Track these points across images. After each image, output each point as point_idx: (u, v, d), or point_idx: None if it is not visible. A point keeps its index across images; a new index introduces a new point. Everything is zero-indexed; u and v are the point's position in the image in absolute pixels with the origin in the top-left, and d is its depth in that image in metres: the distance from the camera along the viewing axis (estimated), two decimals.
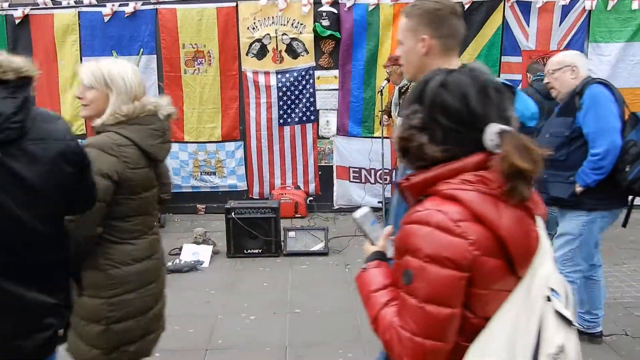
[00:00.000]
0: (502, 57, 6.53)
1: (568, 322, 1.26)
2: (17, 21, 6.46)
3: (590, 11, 6.39)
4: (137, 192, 2.11)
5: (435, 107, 1.30)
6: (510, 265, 1.25)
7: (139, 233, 2.16)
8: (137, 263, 2.13)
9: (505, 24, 6.47)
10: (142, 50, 6.54)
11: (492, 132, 1.25)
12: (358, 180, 6.84)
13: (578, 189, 3.13)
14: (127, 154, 2.05)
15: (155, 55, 6.58)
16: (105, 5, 6.49)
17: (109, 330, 2.08)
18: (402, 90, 5.07)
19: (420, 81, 1.38)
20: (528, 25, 6.49)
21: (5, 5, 6.76)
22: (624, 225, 3.30)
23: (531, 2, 6.39)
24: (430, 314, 1.20)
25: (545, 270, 1.29)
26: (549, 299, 1.26)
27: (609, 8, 6.38)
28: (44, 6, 6.62)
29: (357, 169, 6.79)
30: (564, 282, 1.36)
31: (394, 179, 6.01)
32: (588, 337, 3.43)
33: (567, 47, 6.49)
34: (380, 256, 1.48)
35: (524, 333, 1.22)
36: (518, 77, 6.48)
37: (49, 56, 6.54)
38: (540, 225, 1.34)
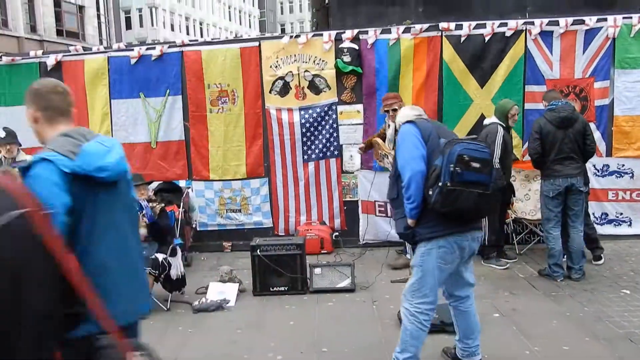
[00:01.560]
0: (525, 86, 6.48)
1: None
2: (49, 67, 6.71)
3: (614, 38, 6.33)
4: None
5: None
6: None
7: None
8: None
9: (527, 53, 6.44)
10: (168, 91, 6.70)
11: None
12: (384, 215, 6.76)
13: (409, 221, 3.22)
14: None
15: (180, 96, 6.73)
16: (133, 49, 6.71)
17: None
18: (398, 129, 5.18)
19: None
20: (551, 54, 6.45)
21: (40, 52, 7.05)
22: None
23: (552, 30, 6.37)
24: None
25: None
26: None
27: (632, 34, 6.31)
28: (76, 52, 6.88)
29: (382, 203, 6.73)
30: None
31: None
32: None
33: (592, 75, 6.44)
34: None
35: None
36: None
37: (80, 100, 6.73)
38: None
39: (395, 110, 5.50)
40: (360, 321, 4.49)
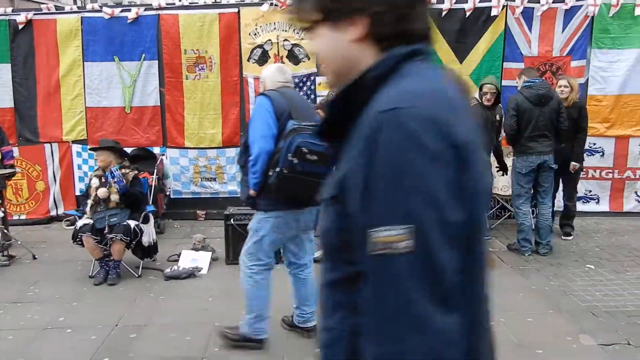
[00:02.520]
0: (504, 63, 6.50)
1: None
2: (20, 26, 6.48)
3: (593, 17, 6.36)
4: None
5: None
6: None
7: None
8: None
9: (507, 30, 6.44)
10: (144, 55, 6.54)
11: None
12: None
13: (251, 192, 3.32)
14: None
15: (157, 61, 6.58)
16: (107, 10, 6.51)
17: None
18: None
19: None
20: (530, 32, 6.46)
21: (9, 10, 6.79)
22: None
23: (533, 8, 6.36)
24: None
25: None
26: None
27: (610, 14, 6.35)
28: (47, 11, 6.65)
29: None
30: None
31: None
32: (301, 330, 3.70)
33: (570, 53, 6.48)
34: None
35: None
36: None
37: (51, 61, 6.55)
38: None
39: None
40: None
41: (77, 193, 6.73)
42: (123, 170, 4.97)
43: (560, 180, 5.86)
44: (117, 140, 6.27)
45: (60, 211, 6.84)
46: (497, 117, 5.74)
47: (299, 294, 3.67)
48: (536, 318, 3.97)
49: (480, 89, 5.71)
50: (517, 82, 5.61)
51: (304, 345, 3.59)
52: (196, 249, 5.27)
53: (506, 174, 6.02)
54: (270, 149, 3.18)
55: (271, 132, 3.21)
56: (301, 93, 6.62)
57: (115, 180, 4.76)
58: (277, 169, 3.09)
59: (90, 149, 4.96)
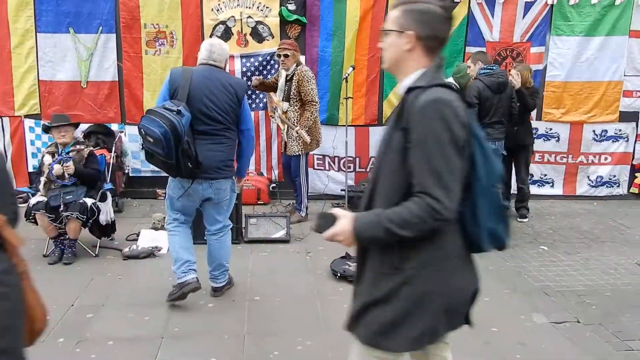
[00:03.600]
0: (466, 47, 6.58)
1: None
2: None
3: (552, 5, 6.49)
4: None
5: None
6: None
7: None
8: None
9: (470, 15, 6.50)
10: (101, 28, 6.31)
11: None
12: (322, 168, 6.80)
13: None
14: None
15: (114, 34, 6.36)
16: None
17: None
18: (288, 78, 5.48)
19: None
20: (492, 17, 6.55)
21: None
22: None
23: None
24: None
25: None
26: None
27: (570, 2, 6.49)
28: None
29: (320, 157, 6.75)
30: None
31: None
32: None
33: (529, 40, 6.61)
34: None
35: None
36: None
37: (2, 32, 6.23)
38: None
39: (286, 56, 5.49)
40: (294, 272, 4.55)
41: (30, 170, 6.49)
42: (78, 146, 4.80)
43: (513, 164, 6.01)
44: (72, 116, 6.07)
45: None
46: None
47: (209, 257, 4.04)
48: (492, 297, 4.08)
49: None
50: (468, 66, 5.65)
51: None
52: (156, 229, 5.18)
53: None
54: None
55: (162, 100, 3.58)
56: (265, 72, 6.54)
57: (60, 159, 4.62)
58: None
59: (50, 126, 4.74)
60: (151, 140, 3.40)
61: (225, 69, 3.87)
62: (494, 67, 5.37)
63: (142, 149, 3.58)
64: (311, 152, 6.52)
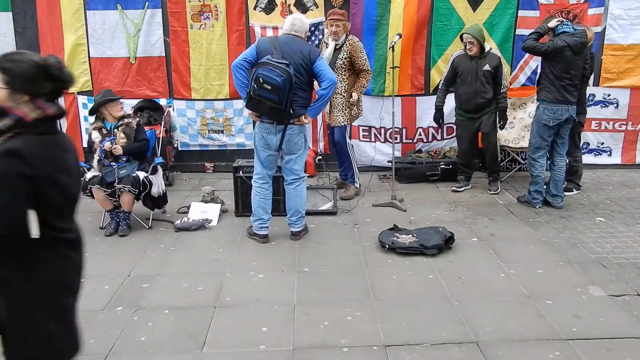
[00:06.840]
0: (518, 11, 6.29)
1: None
2: None
3: None
4: None
5: None
6: None
7: None
8: None
9: None
10: (147, 3, 6.36)
11: None
12: (368, 139, 6.73)
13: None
14: None
15: (160, 9, 6.41)
16: None
17: None
18: (337, 47, 5.43)
19: None
20: None
21: None
22: None
23: None
24: None
25: None
26: None
27: None
28: None
29: (366, 128, 6.68)
30: None
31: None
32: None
33: (587, 0, 6.25)
34: None
35: None
36: None
37: (53, 10, 6.38)
38: None
39: (338, 26, 5.36)
40: (341, 243, 4.55)
41: (84, 145, 6.70)
42: (126, 120, 4.89)
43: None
44: (122, 91, 6.21)
45: None
46: (487, 67, 5.55)
47: (287, 205, 4.63)
48: (546, 270, 3.97)
49: (461, 39, 5.65)
50: (542, 25, 5.18)
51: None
52: (205, 201, 5.27)
53: (501, 129, 5.87)
54: (236, 64, 4.21)
55: (245, 59, 4.22)
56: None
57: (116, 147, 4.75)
58: (248, 89, 4.11)
59: (104, 101, 4.82)
60: (269, 87, 3.99)
61: (304, 39, 4.42)
62: (577, 28, 5.07)
63: (245, 97, 4.14)
64: (356, 124, 6.46)
